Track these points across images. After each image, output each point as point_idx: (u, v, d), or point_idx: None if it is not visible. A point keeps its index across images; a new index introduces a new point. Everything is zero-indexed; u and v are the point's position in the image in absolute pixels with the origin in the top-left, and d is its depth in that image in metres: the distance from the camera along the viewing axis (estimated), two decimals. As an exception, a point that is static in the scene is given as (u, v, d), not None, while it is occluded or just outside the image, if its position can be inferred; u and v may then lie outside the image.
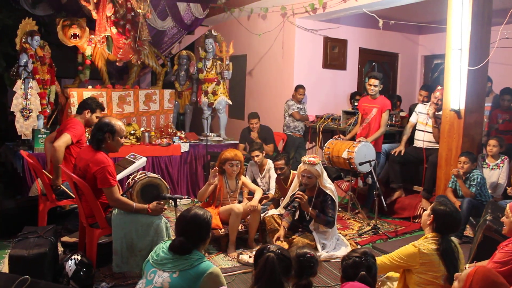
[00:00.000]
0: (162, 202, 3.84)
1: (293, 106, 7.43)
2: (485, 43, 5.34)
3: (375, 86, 5.98)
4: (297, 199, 4.48)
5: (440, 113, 5.81)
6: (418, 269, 2.85)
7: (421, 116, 6.07)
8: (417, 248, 2.89)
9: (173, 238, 2.73)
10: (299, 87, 7.44)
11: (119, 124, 3.90)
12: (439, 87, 5.96)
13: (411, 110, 6.54)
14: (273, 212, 4.99)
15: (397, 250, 3.00)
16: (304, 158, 4.64)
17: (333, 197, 4.55)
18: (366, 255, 2.59)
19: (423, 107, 6.08)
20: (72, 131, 4.63)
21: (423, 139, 5.95)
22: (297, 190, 4.60)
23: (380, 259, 3.02)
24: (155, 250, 2.69)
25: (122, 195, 3.84)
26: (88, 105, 4.87)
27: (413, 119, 6.18)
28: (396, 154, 6.00)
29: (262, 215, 4.89)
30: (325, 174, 4.65)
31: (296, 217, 4.80)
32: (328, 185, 4.61)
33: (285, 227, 4.62)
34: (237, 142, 7.33)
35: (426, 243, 2.92)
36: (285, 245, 4.35)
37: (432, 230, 3.00)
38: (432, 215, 3.01)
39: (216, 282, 2.54)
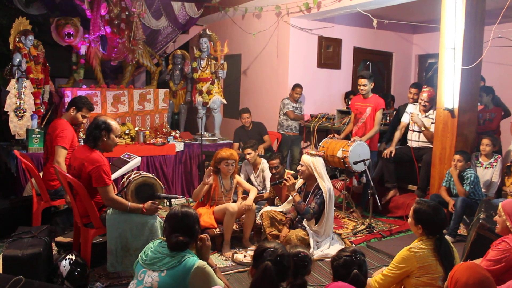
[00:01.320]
0: (156, 202, 3.84)
1: (288, 105, 7.45)
2: (479, 43, 5.37)
3: (364, 85, 6.00)
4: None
5: (429, 113, 5.84)
6: (416, 273, 2.83)
7: None
8: (412, 252, 2.86)
9: (162, 237, 2.73)
10: (296, 86, 7.45)
11: (114, 123, 3.91)
12: (425, 88, 5.99)
13: (399, 111, 6.54)
14: (271, 208, 5.01)
15: (393, 261, 2.95)
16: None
17: (324, 194, 4.57)
18: (356, 253, 2.58)
19: (414, 107, 6.10)
20: (61, 141, 4.55)
21: (415, 139, 5.97)
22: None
23: (379, 277, 2.97)
24: (144, 250, 2.70)
25: (116, 194, 3.84)
26: (75, 103, 4.80)
27: (405, 119, 6.18)
28: (388, 156, 6.00)
29: (258, 214, 4.90)
30: (320, 169, 4.67)
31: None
32: (327, 182, 4.65)
33: (288, 224, 4.72)
34: (232, 141, 7.35)
35: (421, 245, 2.90)
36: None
37: (424, 235, 2.98)
38: (419, 225, 2.97)
39: (204, 275, 2.54)
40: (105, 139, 3.83)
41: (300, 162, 4.77)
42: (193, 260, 2.56)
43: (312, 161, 4.67)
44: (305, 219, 4.69)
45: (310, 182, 4.76)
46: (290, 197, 4.90)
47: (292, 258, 2.59)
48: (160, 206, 3.88)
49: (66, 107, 4.89)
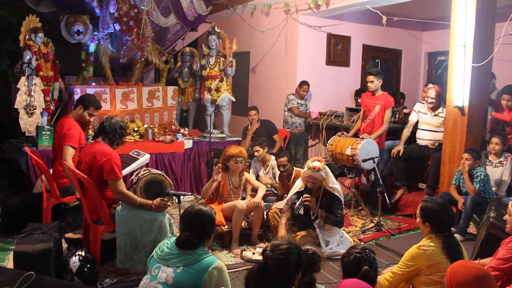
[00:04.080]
0: (165, 199, 3.85)
1: (293, 100, 7.45)
2: (489, 40, 5.32)
3: (371, 82, 5.97)
4: (306, 202, 4.46)
5: (439, 111, 5.81)
6: (425, 271, 2.82)
7: (422, 116, 6.04)
8: (422, 250, 2.85)
9: (177, 234, 2.74)
10: (303, 83, 7.45)
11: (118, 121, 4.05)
12: (430, 85, 5.95)
13: None
14: (277, 204, 5.00)
15: (402, 259, 2.95)
16: (309, 163, 4.56)
17: (340, 197, 4.57)
18: (366, 250, 2.59)
19: (422, 106, 6.07)
20: (69, 140, 4.57)
21: (427, 138, 5.94)
22: (304, 192, 4.56)
23: (388, 275, 2.96)
24: (159, 246, 2.71)
25: (126, 191, 3.88)
26: (82, 101, 4.84)
27: (413, 118, 6.15)
28: (394, 155, 5.98)
29: (265, 211, 4.90)
30: (331, 176, 4.64)
31: (302, 212, 4.65)
32: (334, 185, 4.63)
33: (285, 222, 4.58)
34: (240, 139, 7.36)
35: (431, 243, 2.89)
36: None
37: (432, 232, 2.97)
38: (426, 223, 2.96)
39: (220, 277, 2.54)
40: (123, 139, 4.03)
41: (311, 180, 4.55)
42: (212, 260, 2.56)
43: (327, 173, 4.55)
44: (316, 222, 4.67)
45: (316, 187, 4.68)
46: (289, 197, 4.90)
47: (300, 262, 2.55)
48: (169, 203, 3.90)
49: (74, 105, 4.92)
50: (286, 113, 7.57)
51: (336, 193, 4.57)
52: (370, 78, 5.99)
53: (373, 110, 6.02)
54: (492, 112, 5.72)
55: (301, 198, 4.51)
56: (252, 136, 6.85)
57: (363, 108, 6.25)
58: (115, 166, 3.71)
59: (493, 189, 5.26)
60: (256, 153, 5.76)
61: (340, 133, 6.16)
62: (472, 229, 5.14)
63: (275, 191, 5.70)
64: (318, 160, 4.55)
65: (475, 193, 4.95)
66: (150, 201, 3.77)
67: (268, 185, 5.72)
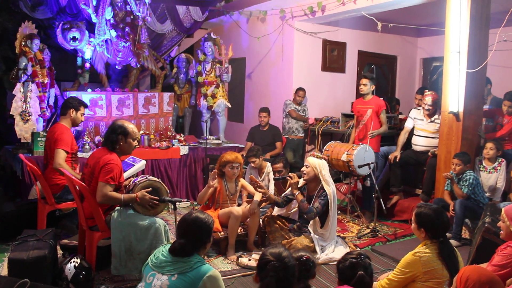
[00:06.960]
0: (150, 189, 3.83)
1: (290, 105, 7.47)
2: (484, 46, 5.36)
3: (364, 85, 6.02)
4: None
5: (435, 117, 5.84)
6: (421, 278, 2.82)
7: (417, 122, 6.07)
8: (417, 257, 2.85)
9: (172, 241, 2.73)
10: (299, 89, 7.47)
11: (131, 127, 3.97)
12: (427, 92, 5.99)
13: None
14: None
15: (398, 265, 2.95)
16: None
17: (328, 196, 4.57)
18: (361, 255, 2.59)
19: (418, 112, 6.09)
20: (61, 144, 4.60)
21: (423, 144, 5.97)
22: (302, 188, 4.75)
23: (384, 282, 2.96)
24: (154, 253, 2.69)
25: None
26: (70, 104, 4.86)
27: (408, 124, 6.18)
28: (392, 162, 6.01)
29: (261, 217, 4.90)
30: (325, 171, 4.68)
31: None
32: (331, 185, 4.66)
33: (271, 197, 4.80)
34: (236, 145, 7.37)
35: (426, 249, 2.89)
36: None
37: (427, 239, 2.98)
38: (421, 229, 2.96)
39: (215, 285, 2.53)
40: (122, 143, 3.90)
41: (305, 163, 4.76)
42: (207, 268, 2.55)
43: (319, 163, 4.67)
44: (310, 224, 4.68)
45: (313, 185, 4.75)
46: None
47: (296, 266, 2.56)
48: (156, 201, 3.87)
49: (61, 111, 4.93)
50: (284, 119, 7.57)
51: (326, 191, 4.59)
52: (364, 81, 6.03)
53: (365, 114, 6.04)
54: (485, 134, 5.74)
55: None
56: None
57: (356, 114, 6.28)
58: (111, 172, 3.71)
59: (488, 194, 5.28)
60: (252, 164, 5.77)
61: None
62: (467, 235, 5.14)
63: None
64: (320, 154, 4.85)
65: (463, 197, 4.97)
66: (134, 195, 3.75)
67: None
